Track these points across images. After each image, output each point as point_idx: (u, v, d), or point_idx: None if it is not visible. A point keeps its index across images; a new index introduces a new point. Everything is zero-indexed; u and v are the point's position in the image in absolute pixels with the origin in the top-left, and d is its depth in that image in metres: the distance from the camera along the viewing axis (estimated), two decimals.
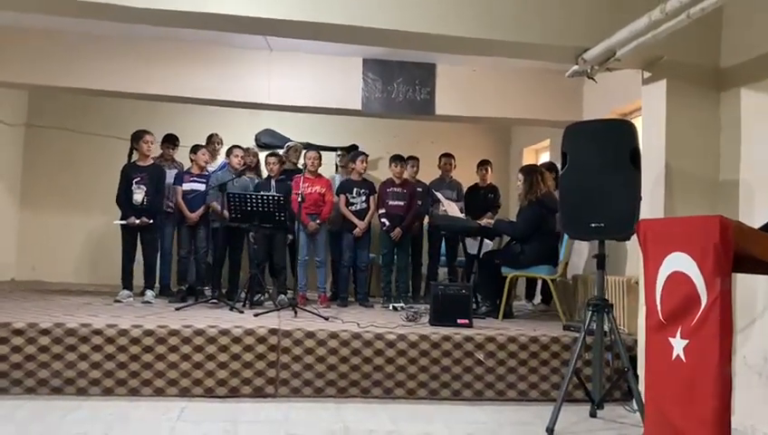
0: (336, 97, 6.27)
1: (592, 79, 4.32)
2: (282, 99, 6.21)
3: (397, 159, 6.34)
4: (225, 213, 5.45)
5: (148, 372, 3.95)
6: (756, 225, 2.71)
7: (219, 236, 5.88)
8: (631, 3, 3.75)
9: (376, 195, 6.26)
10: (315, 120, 7.57)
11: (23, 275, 7.54)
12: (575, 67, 4.24)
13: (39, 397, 3.83)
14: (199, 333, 4.04)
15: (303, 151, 6.43)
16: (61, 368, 3.89)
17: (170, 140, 6.41)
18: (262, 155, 6.94)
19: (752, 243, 2.22)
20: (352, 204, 6.14)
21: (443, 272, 6.98)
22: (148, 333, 4.00)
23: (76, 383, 3.89)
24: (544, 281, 5.69)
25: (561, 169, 3.90)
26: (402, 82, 6.30)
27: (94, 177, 7.43)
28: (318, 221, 5.93)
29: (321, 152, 6.33)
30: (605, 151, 3.70)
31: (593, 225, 3.68)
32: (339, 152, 7.40)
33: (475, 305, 5.47)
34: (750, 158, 3.82)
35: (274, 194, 5.50)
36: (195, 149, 6.12)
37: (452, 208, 6.01)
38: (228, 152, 6.23)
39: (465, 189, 6.96)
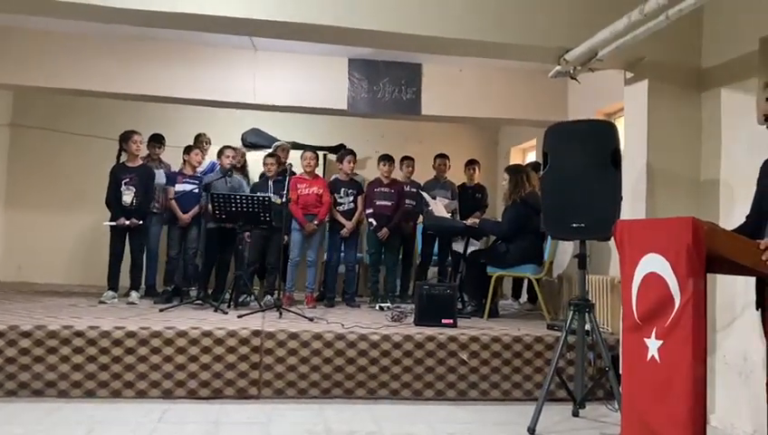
0: (322, 97, 6.27)
1: (575, 79, 4.34)
2: (267, 99, 6.22)
3: (385, 158, 6.33)
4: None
5: (130, 373, 3.93)
6: (737, 224, 2.74)
7: (212, 237, 5.84)
8: (613, 4, 3.76)
9: (363, 195, 6.25)
10: (302, 120, 7.57)
11: (8, 275, 7.49)
12: (558, 67, 4.26)
13: (20, 399, 3.80)
14: (182, 334, 4.02)
15: (301, 153, 6.39)
16: (42, 370, 3.86)
17: (156, 140, 6.39)
18: (249, 155, 6.94)
19: (724, 244, 2.23)
20: (340, 204, 6.12)
21: (433, 272, 6.98)
22: (131, 334, 3.98)
23: (57, 386, 3.87)
24: (530, 280, 5.70)
25: (543, 169, 3.91)
26: (388, 81, 6.31)
27: (80, 177, 7.40)
28: (316, 222, 5.92)
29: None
30: (586, 152, 3.71)
31: (574, 225, 3.69)
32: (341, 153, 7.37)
33: (461, 305, 5.49)
34: (730, 157, 3.85)
35: (260, 195, 5.48)
36: (188, 149, 6.10)
37: (438, 208, 6.01)
38: (220, 153, 6.20)
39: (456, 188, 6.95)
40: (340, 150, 7.06)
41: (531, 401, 4.12)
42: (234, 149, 6.27)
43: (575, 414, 3.90)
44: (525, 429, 3.54)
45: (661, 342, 2.35)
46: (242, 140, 7.44)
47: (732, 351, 3.65)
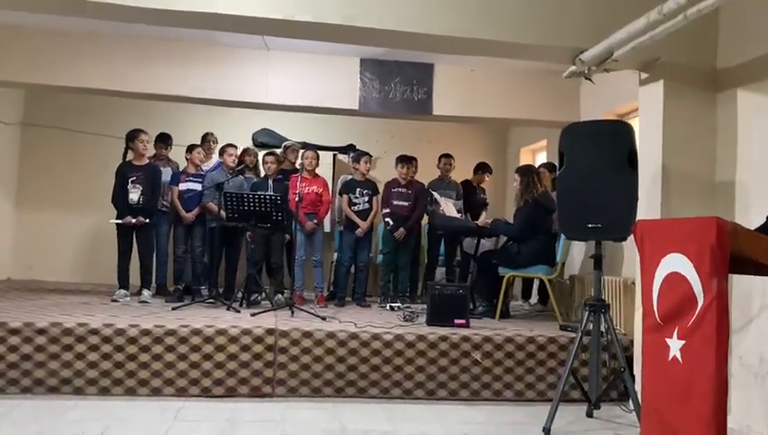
0: (333, 97, 6.28)
1: (589, 80, 4.33)
2: (279, 98, 6.22)
3: (402, 159, 6.33)
4: (222, 213, 5.44)
5: (145, 371, 3.95)
6: (753, 225, 2.73)
7: (216, 236, 5.86)
8: (629, 4, 3.75)
9: (379, 195, 6.25)
10: (313, 120, 7.57)
11: (19, 274, 7.52)
12: (572, 68, 4.25)
13: (35, 397, 3.82)
14: (196, 332, 4.03)
15: (301, 151, 6.42)
16: (57, 367, 3.88)
17: (163, 140, 6.36)
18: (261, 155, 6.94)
19: (747, 244, 2.23)
20: (355, 204, 6.13)
21: (441, 272, 6.97)
22: (145, 332, 3.99)
23: (73, 383, 3.89)
24: (541, 281, 5.69)
25: (558, 169, 3.90)
26: (400, 81, 6.31)
27: (91, 175, 7.40)
28: (315, 221, 5.92)
29: (319, 152, 6.32)
30: (602, 152, 3.69)
31: (590, 225, 3.68)
32: (352, 154, 7.39)
33: (472, 305, 5.48)
34: (746, 158, 3.84)
35: (272, 194, 5.50)
36: (190, 148, 6.11)
37: (449, 208, 6.02)
38: (221, 151, 6.21)
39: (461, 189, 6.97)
40: (352, 150, 7.07)
41: (544, 401, 4.12)
42: (235, 147, 6.27)
43: (589, 415, 3.89)
44: (539, 429, 3.54)
45: (683, 342, 2.34)
46: (252, 139, 7.46)
47: (748, 352, 3.64)
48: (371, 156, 6.42)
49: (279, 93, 6.20)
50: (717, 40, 4.12)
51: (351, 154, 7.18)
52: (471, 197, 6.97)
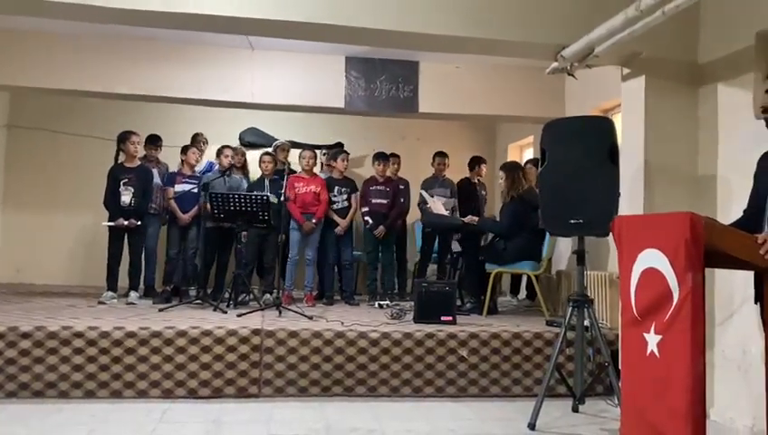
0: (319, 95, 6.28)
1: (572, 75, 4.34)
2: (265, 98, 6.22)
3: (379, 157, 6.34)
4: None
5: (131, 374, 3.94)
6: (734, 219, 2.75)
7: (211, 237, 5.84)
8: (609, 0, 3.77)
9: (357, 193, 6.25)
10: (300, 119, 7.58)
11: (6, 277, 7.47)
12: (555, 64, 4.27)
13: (20, 401, 3.81)
14: (182, 334, 4.03)
15: (299, 151, 6.40)
16: (42, 371, 3.87)
17: (153, 141, 6.34)
18: (249, 154, 6.93)
19: (721, 239, 2.24)
20: (334, 202, 6.13)
21: (432, 269, 6.98)
22: (131, 334, 3.98)
23: (58, 386, 3.87)
24: (529, 277, 5.71)
25: (540, 165, 3.92)
26: (385, 79, 6.31)
27: (77, 177, 7.39)
28: (314, 221, 5.92)
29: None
30: (583, 148, 3.71)
31: (572, 221, 3.70)
32: (324, 151, 7.40)
33: (460, 302, 5.49)
34: (727, 152, 3.86)
35: (258, 193, 5.48)
36: (185, 149, 6.10)
37: (437, 206, 6.02)
38: (218, 152, 6.19)
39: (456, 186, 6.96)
40: (337, 149, 7.07)
41: (530, 397, 4.13)
42: (233, 148, 6.26)
43: (575, 410, 3.91)
44: (525, 424, 3.56)
45: (660, 336, 2.35)
46: (239, 139, 7.44)
47: (731, 345, 3.66)
48: (348, 153, 6.45)
49: (265, 93, 6.19)
50: (698, 35, 4.15)
51: (324, 152, 7.17)
52: (472, 195, 6.88)
